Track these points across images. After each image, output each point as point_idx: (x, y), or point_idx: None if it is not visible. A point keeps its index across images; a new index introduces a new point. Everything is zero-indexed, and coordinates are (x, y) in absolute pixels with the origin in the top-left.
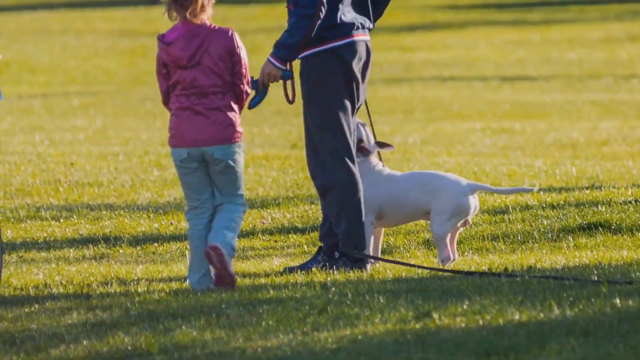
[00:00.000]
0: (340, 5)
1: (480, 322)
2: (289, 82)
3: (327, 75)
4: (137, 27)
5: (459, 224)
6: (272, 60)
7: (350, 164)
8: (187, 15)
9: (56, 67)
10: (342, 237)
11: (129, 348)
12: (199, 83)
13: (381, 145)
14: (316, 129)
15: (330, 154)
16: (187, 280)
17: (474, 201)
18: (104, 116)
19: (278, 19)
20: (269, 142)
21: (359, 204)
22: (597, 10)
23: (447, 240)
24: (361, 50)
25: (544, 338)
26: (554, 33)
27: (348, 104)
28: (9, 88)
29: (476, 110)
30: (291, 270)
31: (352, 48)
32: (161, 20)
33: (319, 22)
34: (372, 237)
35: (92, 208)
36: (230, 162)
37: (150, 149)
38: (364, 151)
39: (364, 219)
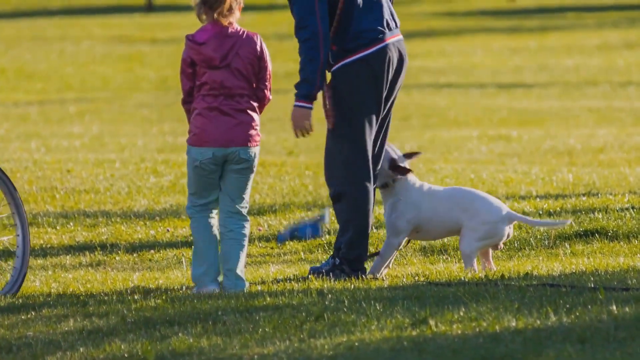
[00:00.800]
0: (356, 13)
1: (477, 329)
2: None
3: (357, 86)
4: (134, 33)
5: (489, 246)
6: (298, 104)
7: (365, 177)
8: (216, 16)
9: (52, 73)
10: (345, 246)
11: (126, 355)
12: (228, 84)
13: (410, 156)
14: (338, 138)
15: (344, 165)
16: (192, 273)
17: (508, 230)
18: (100, 123)
19: (275, 25)
20: (265, 149)
21: (367, 217)
22: (593, 17)
23: (475, 258)
24: (392, 55)
25: (541, 345)
26: (550, 40)
27: (374, 116)
28: (5, 95)
29: (473, 117)
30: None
31: (382, 54)
32: (157, 26)
33: (330, 41)
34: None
35: (89, 215)
36: (251, 163)
37: (146, 156)
38: (402, 170)
39: (392, 238)
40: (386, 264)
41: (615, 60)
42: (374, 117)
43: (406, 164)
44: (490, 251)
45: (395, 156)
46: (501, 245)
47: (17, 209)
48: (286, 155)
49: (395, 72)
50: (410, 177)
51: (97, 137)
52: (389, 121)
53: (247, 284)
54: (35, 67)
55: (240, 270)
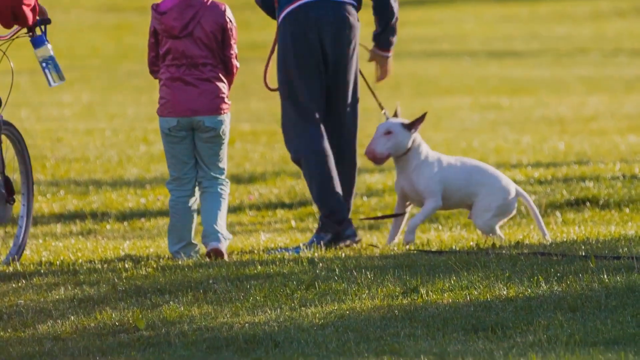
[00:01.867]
0: None
1: (468, 298)
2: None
3: (284, 46)
4: (123, 2)
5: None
6: (388, 54)
7: (314, 140)
8: None
9: None
10: (316, 204)
11: (117, 324)
12: (189, 54)
13: (418, 121)
14: (282, 100)
15: (295, 128)
16: (169, 251)
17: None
18: (90, 92)
19: None
20: (255, 117)
21: (325, 175)
22: None
23: (497, 230)
24: (318, 16)
25: (532, 314)
26: (541, 8)
27: (311, 80)
28: (4, 63)
29: (464, 85)
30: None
31: (299, 14)
32: None
33: None
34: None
35: (79, 184)
36: (218, 131)
37: (136, 125)
38: (418, 122)
39: (430, 201)
40: (399, 232)
41: (606, 29)
42: (311, 81)
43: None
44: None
45: (397, 120)
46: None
47: (27, 179)
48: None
49: (334, 35)
50: (425, 144)
51: (87, 106)
52: (344, 89)
53: (230, 237)
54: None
55: (219, 224)
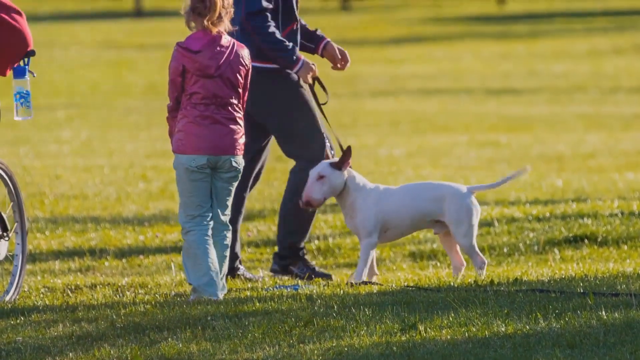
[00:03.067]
0: None
1: (466, 335)
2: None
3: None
4: (122, 39)
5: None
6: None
7: None
8: (206, 23)
9: (41, 79)
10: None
11: None
12: (220, 94)
13: (344, 158)
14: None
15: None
16: (193, 284)
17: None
18: (89, 128)
19: None
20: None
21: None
22: (582, 23)
23: (476, 246)
24: None
25: (530, 350)
26: (539, 46)
27: None
28: None
29: (462, 123)
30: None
31: None
32: (146, 32)
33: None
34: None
35: (78, 221)
36: (239, 172)
37: (135, 161)
38: (343, 161)
39: (365, 239)
40: (368, 268)
41: (604, 66)
42: None
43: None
44: (457, 246)
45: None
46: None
47: (20, 218)
48: (275, 160)
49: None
50: (359, 176)
51: (86, 142)
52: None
53: (224, 291)
54: None
55: (221, 278)
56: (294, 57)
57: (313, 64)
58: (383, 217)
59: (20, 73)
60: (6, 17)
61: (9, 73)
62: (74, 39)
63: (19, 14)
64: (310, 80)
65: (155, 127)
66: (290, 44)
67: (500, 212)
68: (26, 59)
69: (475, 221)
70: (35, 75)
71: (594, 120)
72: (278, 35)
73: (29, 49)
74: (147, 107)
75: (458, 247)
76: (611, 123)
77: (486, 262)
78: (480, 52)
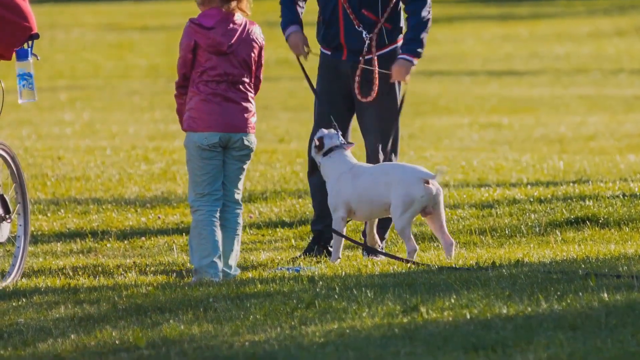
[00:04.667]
0: None
1: (468, 316)
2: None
3: None
4: (124, 21)
5: (421, 214)
6: (414, 61)
7: None
8: (233, 5)
9: (43, 61)
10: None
11: (117, 342)
12: (231, 71)
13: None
14: (396, 124)
15: (396, 152)
16: (194, 265)
17: (427, 189)
18: (91, 110)
19: (264, 14)
20: (256, 136)
21: None
22: (584, 5)
23: (410, 232)
24: None
25: (532, 332)
26: (541, 28)
27: None
28: None
29: (464, 105)
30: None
31: None
32: (148, 14)
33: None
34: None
35: (80, 202)
36: (251, 150)
37: (137, 143)
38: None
39: (332, 215)
40: (369, 237)
41: (606, 48)
42: None
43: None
44: (443, 223)
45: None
46: (433, 209)
47: (22, 199)
48: (277, 142)
49: None
50: (336, 157)
51: (88, 124)
52: None
53: (237, 273)
54: None
55: (233, 259)
56: (283, 27)
57: (299, 44)
58: (346, 198)
59: (22, 55)
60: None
61: (14, 56)
62: (76, 21)
63: None
64: (296, 57)
65: (157, 108)
66: (288, 14)
67: (502, 194)
68: (30, 42)
69: (415, 207)
70: (39, 58)
71: (595, 102)
72: (286, 3)
73: (32, 32)
74: (149, 89)
75: (444, 226)
76: (613, 105)
77: (417, 249)
78: (482, 34)
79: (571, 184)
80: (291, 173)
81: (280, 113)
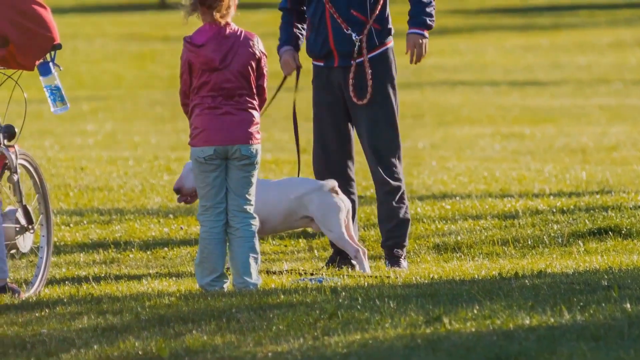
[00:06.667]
0: None
1: (491, 327)
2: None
3: (394, 74)
4: (146, 31)
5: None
6: (424, 32)
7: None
8: (215, 15)
9: (65, 71)
10: (406, 238)
11: (140, 353)
12: (227, 86)
13: None
14: (395, 128)
15: (399, 159)
16: (198, 283)
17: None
18: (113, 120)
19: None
20: (278, 146)
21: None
22: (606, 15)
23: (347, 237)
24: None
25: (555, 343)
26: (563, 38)
27: None
28: (18, 92)
29: (486, 115)
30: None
31: None
32: (170, 24)
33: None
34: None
35: (102, 213)
36: (253, 160)
37: (159, 154)
38: None
39: None
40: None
41: (628, 58)
42: None
43: None
44: (352, 228)
45: None
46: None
47: (45, 210)
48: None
49: None
50: None
51: (111, 134)
52: None
53: (259, 282)
54: None
55: (250, 269)
56: (278, 49)
57: (289, 61)
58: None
59: (44, 71)
60: (32, 9)
61: (36, 68)
62: (98, 31)
63: (44, 7)
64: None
65: (179, 119)
66: (283, 36)
67: (525, 204)
68: (52, 53)
69: (342, 215)
70: (61, 68)
71: (617, 113)
72: (283, 26)
73: (55, 43)
74: (171, 99)
75: (353, 233)
76: (635, 115)
77: (364, 250)
78: (504, 45)
79: (594, 195)
80: None
81: (302, 123)
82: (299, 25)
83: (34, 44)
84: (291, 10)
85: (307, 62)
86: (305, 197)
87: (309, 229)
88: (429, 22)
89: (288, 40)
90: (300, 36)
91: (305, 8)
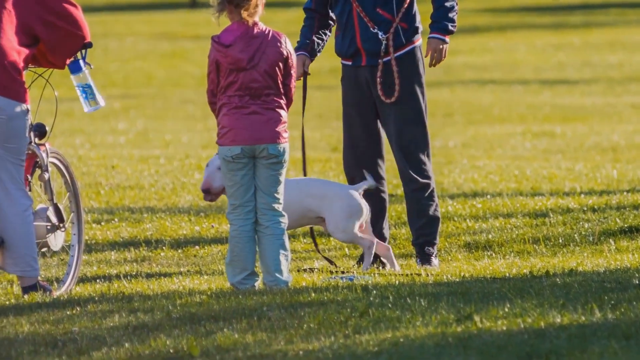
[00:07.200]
0: None
1: (522, 325)
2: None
3: (422, 72)
4: (178, 30)
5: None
6: (445, 38)
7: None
8: (242, 14)
9: (97, 70)
10: (436, 236)
11: (171, 351)
12: (254, 85)
13: None
14: (423, 126)
15: (428, 155)
16: (229, 281)
17: (363, 201)
18: (144, 119)
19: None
20: (309, 145)
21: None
22: (637, 14)
23: (358, 234)
24: None
25: (586, 341)
26: (594, 36)
27: None
28: (48, 90)
29: (516, 113)
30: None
31: None
32: (201, 23)
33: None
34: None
35: (133, 211)
36: (281, 158)
37: (191, 152)
38: None
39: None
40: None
41: None
42: None
43: None
44: (370, 230)
45: None
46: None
47: (76, 208)
48: (331, 151)
49: None
50: None
51: (142, 133)
52: None
53: (290, 279)
54: None
55: (281, 266)
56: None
57: (303, 65)
58: None
59: (75, 69)
60: (63, 8)
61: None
62: (129, 30)
63: (74, 5)
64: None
65: (210, 117)
66: (301, 39)
67: (555, 203)
68: (83, 51)
69: (357, 218)
70: (92, 66)
71: None
72: (303, 30)
73: (86, 41)
74: (202, 97)
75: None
76: None
77: (374, 241)
78: (535, 43)
79: (625, 193)
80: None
81: (333, 122)
82: (321, 31)
83: (65, 42)
84: (315, 11)
85: (336, 61)
86: (326, 199)
87: (320, 227)
88: (450, 27)
89: (303, 45)
90: (320, 42)
91: (330, 10)
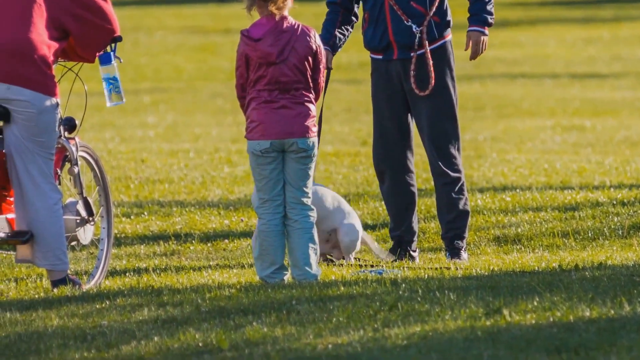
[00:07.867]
0: None
1: (551, 319)
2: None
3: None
4: (207, 24)
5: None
6: (485, 30)
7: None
8: (270, 8)
9: (127, 64)
10: (465, 230)
11: (200, 344)
12: (284, 79)
13: None
14: (454, 120)
15: (459, 150)
16: (257, 275)
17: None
18: (174, 113)
19: None
20: (339, 139)
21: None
22: None
23: (367, 239)
24: None
25: (615, 335)
26: (624, 30)
27: None
28: (78, 84)
29: (546, 107)
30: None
31: None
32: (231, 17)
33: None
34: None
35: (163, 205)
36: (310, 152)
37: (220, 146)
38: None
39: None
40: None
41: None
42: None
43: None
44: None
45: None
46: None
47: (105, 202)
48: (360, 145)
49: None
50: None
51: (171, 127)
52: None
53: (319, 273)
54: None
55: (310, 260)
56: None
57: (327, 57)
58: None
59: (105, 60)
60: (93, 2)
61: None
62: (159, 24)
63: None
64: None
65: (239, 111)
66: (323, 34)
67: (585, 197)
68: (113, 45)
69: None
70: (122, 60)
71: None
72: (325, 24)
73: (115, 35)
74: (231, 91)
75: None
76: None
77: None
78: (565, 37)
79: None
80: (374, 176)
81: (362, 116)
82: (343, 26)
83: (95, 36)
84: (340, 6)
85: (365, 55)
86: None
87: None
88: (490, 20)
89: (327, 40)
90: (342, 37)
91: (355, 5)
